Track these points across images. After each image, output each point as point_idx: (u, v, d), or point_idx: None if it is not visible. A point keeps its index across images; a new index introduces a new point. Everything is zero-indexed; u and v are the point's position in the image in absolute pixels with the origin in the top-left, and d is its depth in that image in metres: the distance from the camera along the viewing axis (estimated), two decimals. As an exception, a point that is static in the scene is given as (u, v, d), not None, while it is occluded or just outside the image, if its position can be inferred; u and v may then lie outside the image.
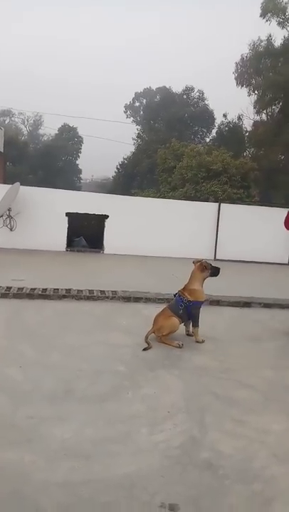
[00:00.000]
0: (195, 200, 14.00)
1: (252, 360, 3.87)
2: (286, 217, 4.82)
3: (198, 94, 31.31)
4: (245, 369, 3.63)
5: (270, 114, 23.50)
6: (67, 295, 5.50)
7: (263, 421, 2.78)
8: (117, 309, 5.20)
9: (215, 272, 4.33)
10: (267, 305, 5.81)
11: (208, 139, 29.80)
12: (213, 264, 4.38)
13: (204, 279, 4.27)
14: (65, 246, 10.31)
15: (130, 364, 3.52)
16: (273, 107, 22.98)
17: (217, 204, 11.21)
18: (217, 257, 10.86)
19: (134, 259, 9.49)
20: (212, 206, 11.27)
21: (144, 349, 3.81)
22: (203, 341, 4.17)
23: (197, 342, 4.16)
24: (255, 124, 23.87)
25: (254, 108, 23.28)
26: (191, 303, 4.08)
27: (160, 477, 2.15)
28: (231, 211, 11.13)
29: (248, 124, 25.38)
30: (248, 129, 24.92)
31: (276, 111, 22.78)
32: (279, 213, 11.49)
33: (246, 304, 5.80)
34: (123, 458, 2.27)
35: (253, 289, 6.54)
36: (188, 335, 4.31)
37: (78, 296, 5.52)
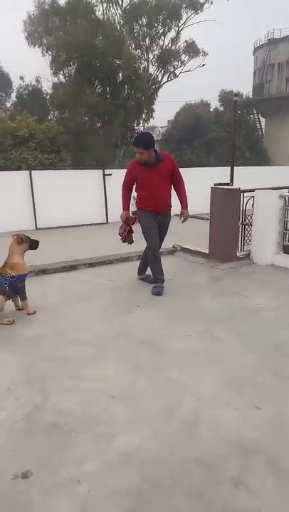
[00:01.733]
0: (6, 169, 13.37)
1: (83, 318, 4.09)
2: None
3: (-12, 55, 29.03)
4: (77, 328, 3.83)
5: (67, 75, 23.39)
6: None
7: (99, 371, 3.02)
8: None
9: (33, 244, 4.33)
10: (91, 264, 6.09)
11: (8, 104, 28.21)
12: (31, 237, 4.36)
13: (24, 252, 4.24)
14: None
15: None
16: (70, 68, 22.91)
17: (28, 172, 10.95)
18: (38, 226, 10.78)
19: None
20: (23, 174, 10.97)
21: (-28, 334, 3.66)
22: (34, 312, 4.21)
23: (29, 314, 4.17)
24: (55, 86, 23.51)
25: (51, 69, 22.84)
26: (14, 278, 4.03)
27: (10, 452, 2.19)
28: (44, 178, 11.05)
29: (47, 87, 24.88)
30: (49, 92, 24.47)
31: (73, 72, 22.81)
32: (92, 175, 11.94)
33: (72, 267, 5.98)
34: None
35: (77, 251, 6.76)
36: (18, 309, 4.28)
37: None
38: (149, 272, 5.15)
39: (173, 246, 6.87)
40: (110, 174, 11.63)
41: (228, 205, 5.94)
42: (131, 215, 5.06)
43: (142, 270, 5.32)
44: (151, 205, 4.80)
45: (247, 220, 6.25)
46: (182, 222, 4.99)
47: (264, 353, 3.26)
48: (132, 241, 5.13)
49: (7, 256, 4.14)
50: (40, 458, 2.13)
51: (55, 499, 1.86)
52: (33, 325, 3.94)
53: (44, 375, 2.98)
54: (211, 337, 3.56)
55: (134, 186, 4.95)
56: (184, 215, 4.95)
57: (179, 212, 4.96)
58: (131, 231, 5.09)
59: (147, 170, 4.70)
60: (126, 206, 5.01)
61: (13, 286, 4.06)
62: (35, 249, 4.37)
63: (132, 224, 5.07)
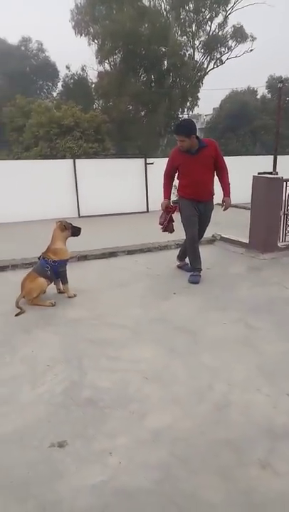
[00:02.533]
0: (51, 158, 13.70)
1: (121, 303, 4.20)
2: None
3: (36, 45, 29.50)
4: (115, 312, 3.95)
5: (112, 63, 23.48)
6: None
7: (134, 353, 3.12)
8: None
9: (75, 231, 4.46)
10: (130, 252, 6.20)
11: (55, 93, 28.74)
12: (74, 224, 4.50)
13: (66, 239, 4.40)
14: None
15: (4, 331, 3.55)
16: (115, 57, 22.97)
17: (72, 160, 11.17)
18: (81, 214, 11.00)
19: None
20: (67, 163, 11.18)
21: (17, 314, 3.86)
22: (74, 295, 4.37)
23: (69, 297, 4.34)
24: (100, 75, 23.66)
25: (96, 58, 22.99)
26: (56, 263, 4.20)
27: (47, 423, 2.34)
28: (88, 166, 11.20)
29: (93, 76, 25.11)
30: (94, 81, 24.69)
31: (118, 60, 22.86)
32: (134, 164, 12.01)
33: (112, 253, 6.12)
34: (9, 416, 2.39)
35: (118, 239, 6.88)
36: (59, 292, 4.46)
37: None
38: (188, 259, 5.16)
39: (212, 235, 6.85)
40: (152, 163, 11.64)
41: (270, 194, 5.84)
42: (171, 203, 5.06)
43: (181, 257, 5.35)
44: (192, 193, 4.74)
45: (289, 210, 6.12)
46: (224, 210, 4.90)
47: (300, 343, 3.24)
48: (173, 230, 5.12)
49: (50, 241, 4.31)
50: (76, 430, 2.26)
51: (87, 467, 1.98)
52: (73, 307, 4.10)
53: (82, 354, 3.11)
54: (246, 325, 3.57)
55: (177, 174, 4.92)
56: (226, 203, 4.84)
57: (221, 201, 4.86)
58: (171, 220, 5.08)
59: (189, 157, 4.63)
60: (167, 195, 4.98)
61: (55, 271, 4.23)
62: (77, 236, 4.50)
63: (173, 213, 5.06)
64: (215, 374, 2.79)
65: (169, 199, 5.00)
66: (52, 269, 4.19)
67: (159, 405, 2.48)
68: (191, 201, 4.78)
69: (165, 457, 2.04)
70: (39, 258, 4.30)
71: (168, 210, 5.02)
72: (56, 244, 4.29)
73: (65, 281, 4.37)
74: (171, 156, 4.88)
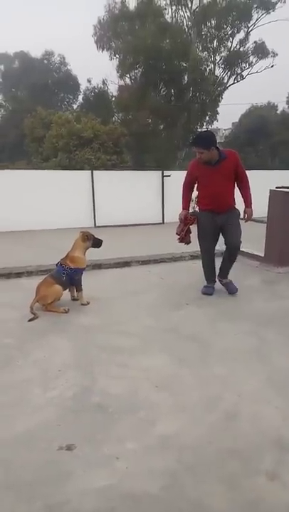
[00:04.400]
0: (70, 169, 13.92)
1: (133, 312, 4.23)
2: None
3: (59, 59, 30.22)
4: (127, 321, 3.98)
5: (133, 78, 23.84)
6: None
7: (144, 361, 3.14)
8: (-1, 287, 5.17)
9: (96, 243, 4.53)
10: (144, 262, 6.25)
11: (75, 106, 29.30)
12: (95, 236, 4.56)
13: (86, 249, 4.48)
14: None
15: (18, 335, 3.61)
16: (136, 71, 23.33)
17: (89, 172, 11.34)
18: (97, 224, 11.12)
19: (10, 235, 9.28)
20: (85, 174, 11.37)
21: (30, 319, 3.92)
22: (88, 303, 4.42)
23: (82, 305, 4.39)
24: (120, 88, 24.07)
25: (117, 72, 23.41)
26: (73, 270, 4.27)
27: (57, 426, 2.36)
28: (105, 178, 11.37)
29: (113, 89, 25.56)
30: (114, 94, 25.11)
31: (139, 75, 23.20)
32: (151, 176, 12.13)
33: (126, 263, 6.17)
34: (19, 418, 2.43)
35: (132, 249, 6.94)
36: (73, 300, 4.52)
37: None
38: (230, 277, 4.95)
39: (227, 248, 6.83)
40: (169, 175, 11.75)
41: (286, 209, 5.84)
42: (190, 215, 4.97)
43: (221, 274, 5.01)
44: (210, 204, 4.60)
45: (306, 225, 6.09)
46: (245, 221, 4.70)
47: (312, 357, 3.21)
48: (190, 241, 4.90)
49: (70, 249, 4.39)
50: (84, 434, 2.28)
51: (95, 471, 2.00)
52: (86, 315, 4.14)
53: (93, 360, 3.14)
54: (258, 337, 3.56)
55: (196, 186, 4.78)
56: (248, 214, 4.66)
57: (243, 212, 4.68)
58: (189, 231, 4.87)
59: (209, 169, 4.47)
60: (185, 205, 4.83)
61: (71, 278, 4.30)
62: (98, 247, 4.56)
63: (191, 224, 4.86)
64: (225, 384, 2.79)
65: (188, 210, 4.86)
66: (68, 275, 4.25)
67: (167, 413, 2.49)
68: (211, 213, 4.63)
69: (172, 464, 2.05)
70: (57, 264, 4.38)
71: (186, 221, 4.82)
72: (75, 252, 4.37)
73: (79, 289, 4.43)
74: (190, 168, 4.73)
